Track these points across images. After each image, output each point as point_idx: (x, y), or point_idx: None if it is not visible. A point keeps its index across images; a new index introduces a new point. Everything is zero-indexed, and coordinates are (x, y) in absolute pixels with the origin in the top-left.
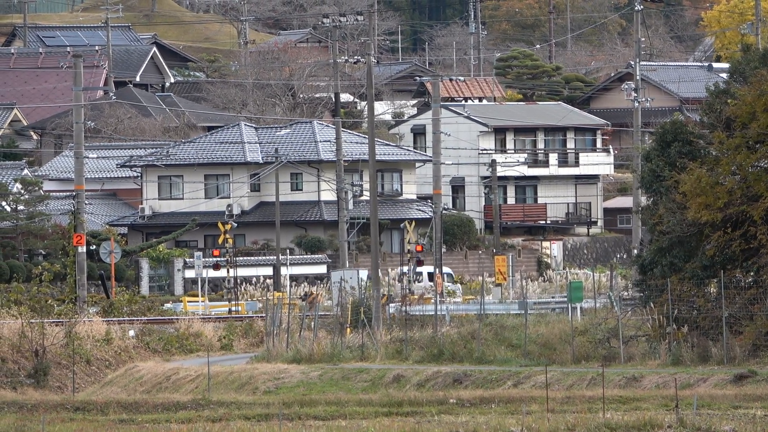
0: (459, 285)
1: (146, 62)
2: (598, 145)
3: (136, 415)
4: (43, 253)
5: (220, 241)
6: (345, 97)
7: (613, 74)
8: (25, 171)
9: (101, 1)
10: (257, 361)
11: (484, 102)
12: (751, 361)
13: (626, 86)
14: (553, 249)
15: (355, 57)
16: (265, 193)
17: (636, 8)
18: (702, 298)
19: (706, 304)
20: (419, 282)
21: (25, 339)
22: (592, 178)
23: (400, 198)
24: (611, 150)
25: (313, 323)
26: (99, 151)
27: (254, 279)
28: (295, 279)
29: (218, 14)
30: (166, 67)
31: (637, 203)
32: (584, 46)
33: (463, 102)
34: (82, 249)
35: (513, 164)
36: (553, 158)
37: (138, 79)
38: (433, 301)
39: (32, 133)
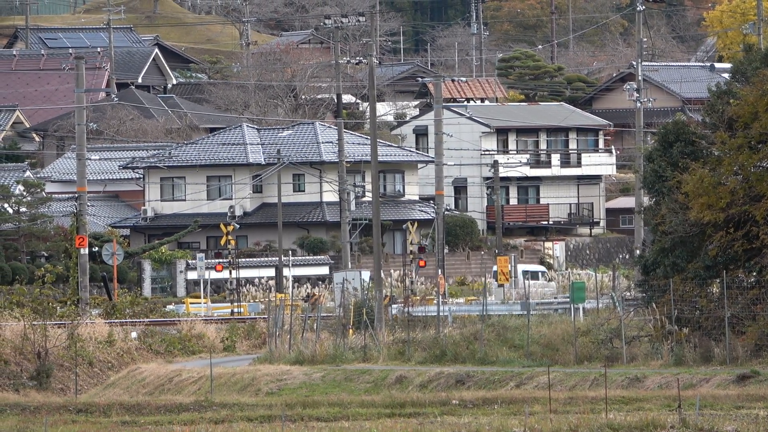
0: (552, 282)
1: (148, 64)
2: (601, 145)
3: (139, 416)
4: (46, 255)
5: (222, 242)
6: (347, 98)
7: (615, 75)
8: (28, 173)
9: (103, 3)
10: (260, 363)
11: (486, 103)
12: (754, 362)
13: (628, 86)
14: (556, 249)
15: (357, 58)
16: (268, 195)
17: (638, 8)
18: (704, 299)
19: (708, 304)
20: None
21: (28, 341)
22: (594, 179)
23: (403, 199)
24: (613, 150)
25: (315, 324)
26: (101, 152)
27: (257, 280)
28: (297, 280)
29: (220, 15)
30: (168, 68)
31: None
32: (586, 47)
33: (466, 103)
34: (85, 251)
35: (515, 165)
36: (556, 159)
37: (140, 80)
38: (435, 301)
39: (34, 135)
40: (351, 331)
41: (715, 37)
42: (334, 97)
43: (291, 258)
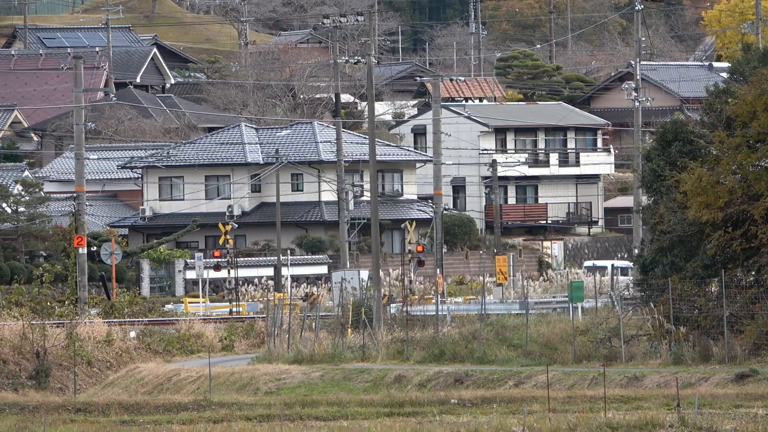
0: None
1: (147, 63)
2: (599, 144)
3: (138, 416)
4: (44, 254)
5: (220, 241)
6: (345, 97)
7: (613, 74)
8: (26, 172)
9: (102, 3)
10: (258, 362)
11: (485, 102)
12: (752, 361)
13: (627, 86)
14: (554, 249)
15: (356, 57)
16: (266, 194)
17: (636, 8)
18: (703, 298)
19: (707, 303)
20: (604, 277)
21: (27, 340)
22: (592, 178)
23: (401, 198)
24: (612, 150)
25: (314, 324)
26: (99, 152)
27: (255, 280)
28: (295, 279)
29: (218, 15)
30: (166, 68)
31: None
32: (585, 46)
33: (464, 102)
34: (83, 250)
35: (514, 164)
36: (554, 158)
37: (138, 80)
38: (434, 301)
39: (33, 134)
40: (350, 330)
41: (713, 37)
42: (333, 96)
43: (289, 257)
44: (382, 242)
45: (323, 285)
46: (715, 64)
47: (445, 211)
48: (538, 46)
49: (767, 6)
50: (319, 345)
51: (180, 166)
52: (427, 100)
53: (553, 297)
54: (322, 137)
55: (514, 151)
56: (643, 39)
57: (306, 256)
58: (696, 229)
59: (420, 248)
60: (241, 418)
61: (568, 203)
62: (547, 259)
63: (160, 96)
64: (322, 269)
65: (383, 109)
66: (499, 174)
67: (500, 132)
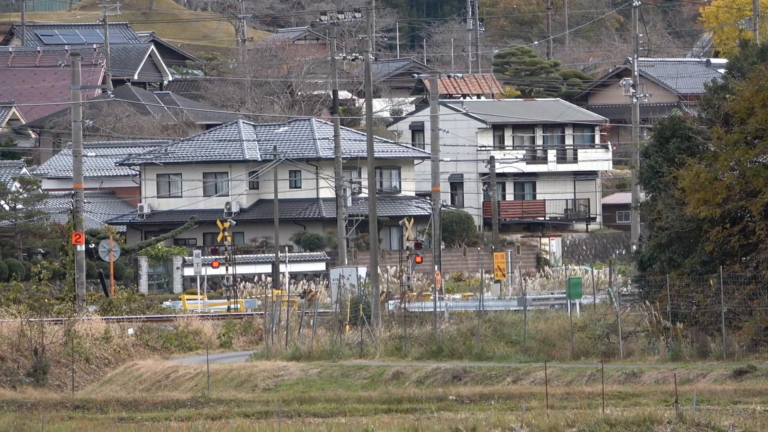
0: None
1: (144, 60)
2: (597, 141)
3: (136, 413)
4: (42, 251)
5: (218, 239)
6: (343, 94)
7: (611, 70)
8: (24, 170)
9: (99, 0)
10: (256, 359)
11: (483, 99)
12: (750, 357)
13: (624, 82)
14: (552, 245)
15: (353, 54)
16: (264, 191)
17: (634, 4)
18: (701, 294)
19: (705, 299)
20: None
21: (25, 338)
22: (590, 174)
23: (399, 195)
24: (610, 146)
25: (312, 320)
26: (97, 149)
27: (253, 277)
28: (294, 276)
29: (216, 12)
30: (164, 65)
31: (636, 199)
32: (582, 43)
33: (462, 99)
34: (81, 247)
35: (511, 161)
36: (552, 154)
37: (136, 77)
38: (432, 297)
39: (30, 131)
40: (348, 327)
41: (711, 33)
42: (330, 93)
43: (287, 254)
44: (380, 239)
45: (321, 282)
46: (713, 61)
47: (443, 208)
48: (536, 42)
49: (765, 2)
50: (317, 342)
51: (178, 163)
52: (424, 96)
53: (551, 293)
54: (319, 134)
55: (511, 148)
56: (641, 35)
57: (304, 253)
58: (694, 225)
59: (418, 245)
60: (239, 414)
61: (566, 200)
62: (545, 256)
63: (157, 93)
64: (320, 266)
65: (381, 106)
66: (497, 170)
67: (498, 129)
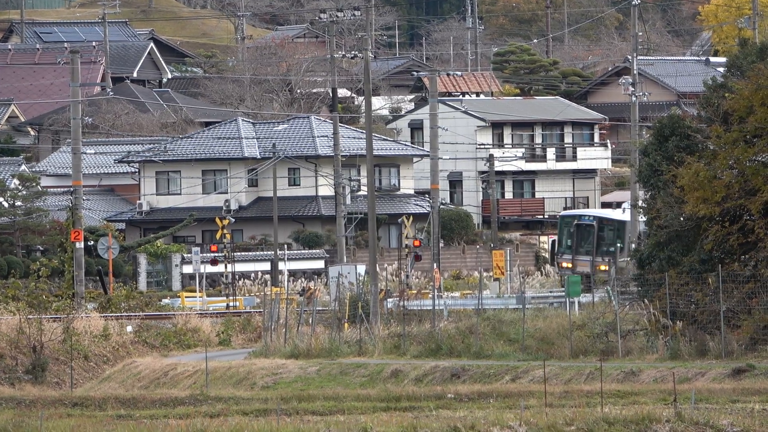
0: None
1: (143, 58)
2: (596, 139)
3: (134, 410)
4: (41, 248)
5: (217, 236)
6: (342, 92)
7: (610, 69)
8: (23, 167)
9: None
10: (255, 357)
11: (482, 97)
12: (749, 355)
13: (623, 81)
14: (551, 243)
15: (353, 52)
16: (263, 189)
17: (633, 2)
18: (700, 292)
19: (704, 298)
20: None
21: (23, 335)
22: (589, 173)
23: (398, 193)
24: (609, 144)
25: (310, 318)
26: (96, 146)
27: (252, 274)
28: (292, 274)
29: (215, 10)
30: (163, 62)
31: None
32: (581, 41)
33: (461, 97)
34: (80, 245)
35: (510, 159)
36: (551, 153)
37: (135, 74)
38: (430, 295)
39: (30, 129)
40: (346, 325)
41: (710, 31)
42: (330, 91)
43: (286, 252)
44: (379, 237)
45: (320, 279)
46: (712, 59)
47: (442, 206)
48: (535, 40)
49: (764, 1)
50: (316, 339)
51: (177, 160)
52: (424, 94)
53: (550, 292)
54: (319, 132)
55: (511, 146)
56: (640, 34)
57: (303, 251)
58: (693, 223)
59: (417, 243)
60: (237, 412)
61: (565, 198)
62: (544, 254)
63: (157, 90)
64: (319, 264)
65: (380, 104)
66: (496, 169)
67: (497, 127)
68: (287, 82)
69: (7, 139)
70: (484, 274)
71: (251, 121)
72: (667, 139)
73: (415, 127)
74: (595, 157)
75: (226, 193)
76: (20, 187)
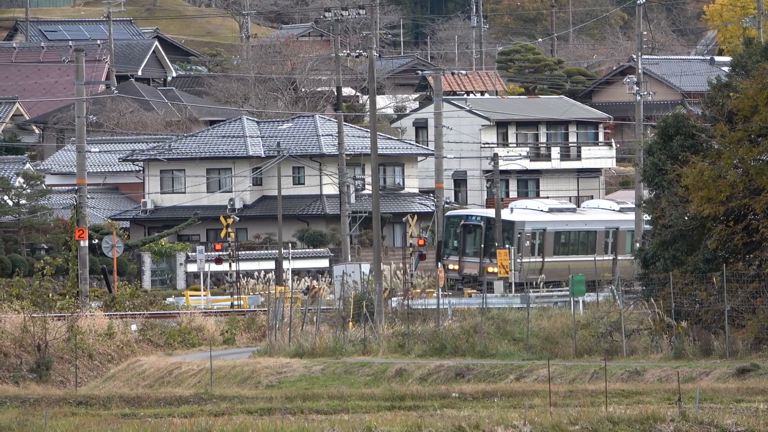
0: None
1: (148, 56)
2: (601, 138)
3: (139, 409)
4: (45, 247)
5: (222, 235)
6: (347, 91)
7: (615, 68)
8: (27, 165)
9: None
10: (260, 356)
11: (486, 96)
12: (754, 355)
13: (628, 80)
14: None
15: (357, 51)
16: (267, 187)
17: (638, 2)
18: (704, 292)
19: (708, 297)
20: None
21: (28, 333)
22: (594, 172)
23: (403, 192)
24: (613, 144)
25: (315, 317)
26: (101, 145)
27: (256, 273)
28: (297, 273)
29: (220, 8)
30: (168, 61)
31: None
32: (586, 40)
33: (465, 96)
34: (85, 243)
35: (515, 158)
36: (555, 152)
37: (140, 73)
38: (435, 294)
39: (34, 127)
40: (351, 324)
41: (715, 31)
42: (334, 89)
43: (291, 251)
44: (384, 236)
45: (324, 278)
46: (717, 59)
47: (446, 205)
48: (540, 39)
49: None
50: (321, 338)
51: (181, 159)
52: (428, 93)
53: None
54: (323, 131)
55: (515, 145)
56: (645, 33)
57: (307, 250)
58: (697, 223)
59: (421, 242)
60: (242, 411)
61: (570, 197)
62: None
63: (161, 89)
64: (324, 263)
65: (385, 103)
66: (500, 168)
67: (502, 126)
68: (292, 80)
69: (11, 137)
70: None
71: (256, 119)
72: (671, 139)
73: (420, 126)
74: (600, 157)
75: (231, 191)
76: (24, 186)
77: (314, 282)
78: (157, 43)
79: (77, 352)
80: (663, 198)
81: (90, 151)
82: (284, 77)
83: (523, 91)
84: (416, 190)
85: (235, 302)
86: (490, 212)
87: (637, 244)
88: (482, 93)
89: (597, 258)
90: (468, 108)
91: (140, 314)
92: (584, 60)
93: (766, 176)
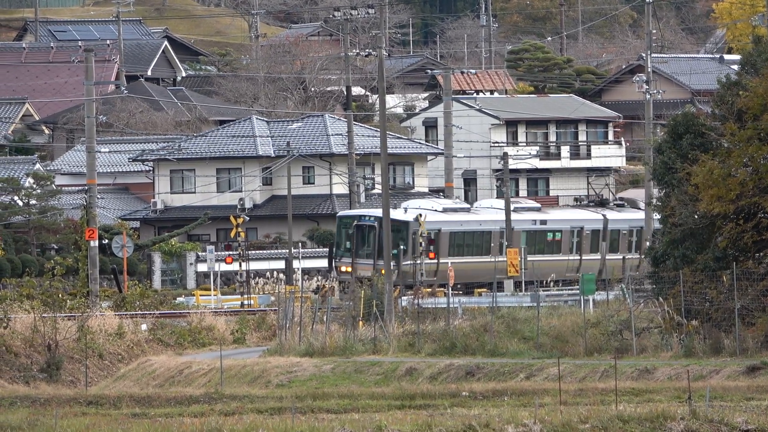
0: None
1: (157, 56)
2: (610, 137)
3: (149, 409)
4: (56, 247)
5: (232, 234)
6: (356, 90)
7: (624, 66)
8: (37, 165)
9: None
10: (270, 355)
11: (496, 95)
12: (764, 353)
13: (638, 78)
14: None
15: (367, 50)
16: (277, 187)
17: (647, 0)
18: (714, 290)
19: (718, 295)
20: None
21: (38, 333)
22: (604, 171)
23: (412, 191)
24: (623, 142)
25: (325, 316)
26: (111, 145)
27: (266, 272)
28: (307, 272)
29: (229, 8)
30: (177, 61)
31: (650, 195)
32: (595, 39)
33: (475, 95)
34: (95, 243)
35: (525, 157)
36: (565, 151)
37: (149, 73)
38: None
39: (44, 127)
40: (361, 323)
41: (724, 29)
42: (344, 89)
43: (301, 250)
44: None
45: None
46: (726, 57)
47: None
48: (549, 38)
49: None
50: (331, 338)
51: (191, 159)
52: (438, 92)
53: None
54: (333, 130)
55: (525, 144)
56: (654, 31)
57: (317, 249)
58: (707, 221)
59: (431, 241)
60: (252, 410)
61: (579, 196)
62: None
63: (171, 89)
64: None
65: (394, 102)
66: (510, 167)
67: (511, 125)
68: (301, 80)
69: (21, 137)
70: None
71: (265, 119)
72: (681, 137)
73: (430, 126)
74: (610, 155)
75: (241, 191)
76: (35, 186)
77: (324, 281)
78: (166, 42)
79: (87, 351)
80: (673, 196)
81: (100, 152)
82: (294, 77)
83: (533, 90)
84: (426, 189)
85: (246, 302)
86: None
87: (647, 243)
88: (492, 92)
89: (492, 259)
90: (477, 107)
91: (150, 314)
92: (593, 59)
93: None
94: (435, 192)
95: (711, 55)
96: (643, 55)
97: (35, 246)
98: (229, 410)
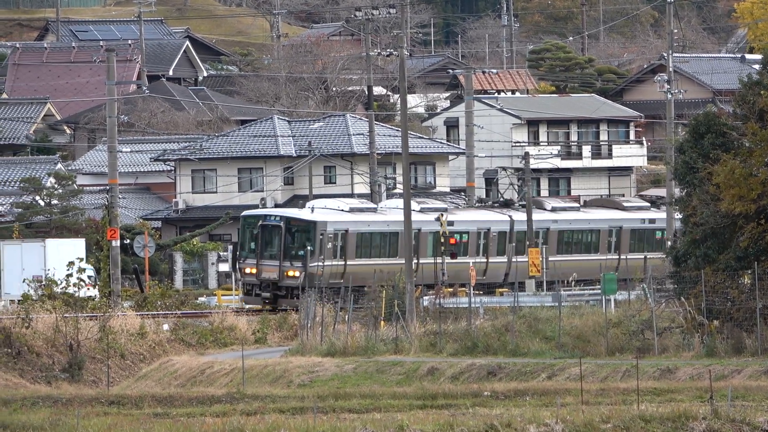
0: None
1: (179, 56)
2: (632, 137)
3: (171, 408)
4: None
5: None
6: (378, 90)
7: (645, 66)
8: (59, 165)
9: None
10: (291, 355)
11: (517, 94)
12: None
13: (659, 78)
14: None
15: (388, 50)
16: (299, 187)
17: (668, 0)
18: (736, 290)
19: (740, 295)
20: None
21: (60, 333)
22: (625, 170)
23: (434, 191)
24: (644, 142)
25: (347, 316)
26: (132, 145)
27: None
28: None
29: (251, 8)
30: (198, 60)
31: (671, 195)
32: (617, 38)
33: (496, 94)
34: (116, 243)
35: (546, 156)
36: (587, 150)
37: (171, 72)
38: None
39: (65, 127)
40: (382, 323)
41: (745, 28)
42: (365, 89)
43: None
44: None
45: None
46: (748, 56)
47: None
48: (571, 38)
49: None
50: (352, 337)
51: (213, 158)
52: (459, 92)
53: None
54: (354, 130)
55: (546, 144)
56: (676, 31)
57: None
58: (729, 221)
59: (453, 241)
60: (274, 410)
61: (601, 195)
62: None
63: (192, 89)
64: None
65: (416, 102)
66: (531, 166)
67: (533, 124)
68: (323, 80)
69: (43, 137)
70: None
71: (287, 119)
72: (702, 137)
73: (451, 125)
74: (631, 155)
75: (262, 191)
76: (56, 186)
77: None
78: (188, 42)
79: (109, 351)
80: (694, 196)
81: (121, 151)
82: (315, 76)
83: (554, 90)
84: (447, 189)
85: None
86: (290, 212)
87: (669, 243)
88: (513, 92)
89: (399, 261)
90: (499, 107)
91: (172, 314)
92: (615, 58)
93: None
94: (456, 192)
95: (732, 55)
96: (665, 54)
97: None
98: (250, 410)
